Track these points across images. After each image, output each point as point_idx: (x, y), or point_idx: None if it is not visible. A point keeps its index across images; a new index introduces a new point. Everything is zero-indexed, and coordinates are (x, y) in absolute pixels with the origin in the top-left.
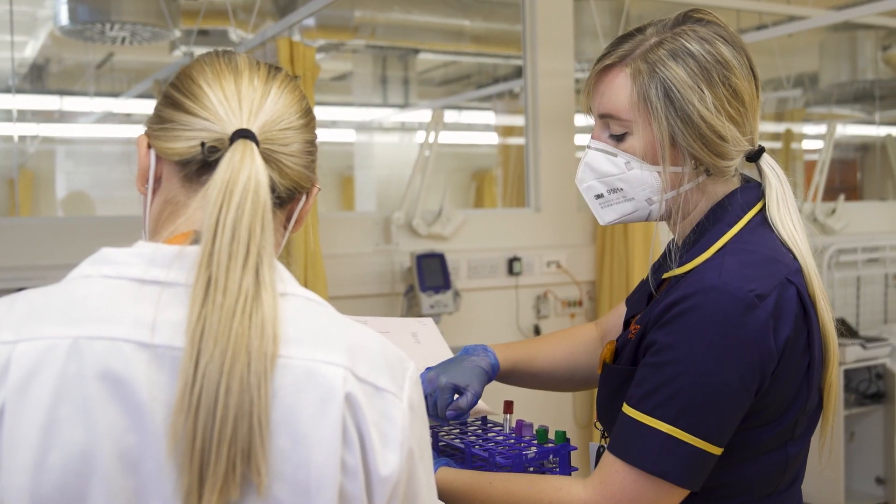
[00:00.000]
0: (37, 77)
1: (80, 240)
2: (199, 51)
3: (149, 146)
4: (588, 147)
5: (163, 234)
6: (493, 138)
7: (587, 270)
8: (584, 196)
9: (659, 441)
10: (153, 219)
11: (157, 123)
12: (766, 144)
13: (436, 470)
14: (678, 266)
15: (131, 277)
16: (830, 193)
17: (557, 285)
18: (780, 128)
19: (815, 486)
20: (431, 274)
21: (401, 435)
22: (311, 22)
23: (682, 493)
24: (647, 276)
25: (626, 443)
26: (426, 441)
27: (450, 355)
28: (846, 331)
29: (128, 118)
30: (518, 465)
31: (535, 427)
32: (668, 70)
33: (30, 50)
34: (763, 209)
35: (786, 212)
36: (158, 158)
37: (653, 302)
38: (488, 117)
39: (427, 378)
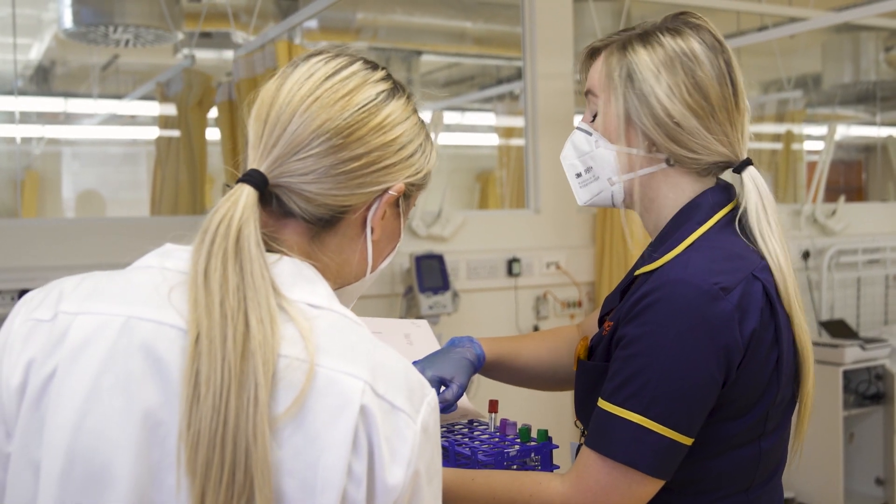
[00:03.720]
0: (42, 79)
1: (85, 241)
2: (201, 54)
3: None
4: (575, 128)
5: None
6: (494, 140)
7: (587, 271)
8: (567, 175)
9: (630, 431)
10: None
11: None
12: (767, 146)
13: None
14: (649, 263)
15: (186, 271)
16: (835, 194)
17: (557, 286)
18: (780, 129)
19: (815, 487)
20: (430, 275)
21: (409, 453)
22: (313, 24)
23: (655, 484)
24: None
25: (600, 435)
26: (436, 466)
27: None
28: (846, 332)
29: (132, 120)
30: (499, 462)
31: (519, 426)
32: (636, 54)
33: (35, 52)
34: (735, 209)
35: (766, 226)
36: None
37: (625, 298)
38: (489, 119)
39: None
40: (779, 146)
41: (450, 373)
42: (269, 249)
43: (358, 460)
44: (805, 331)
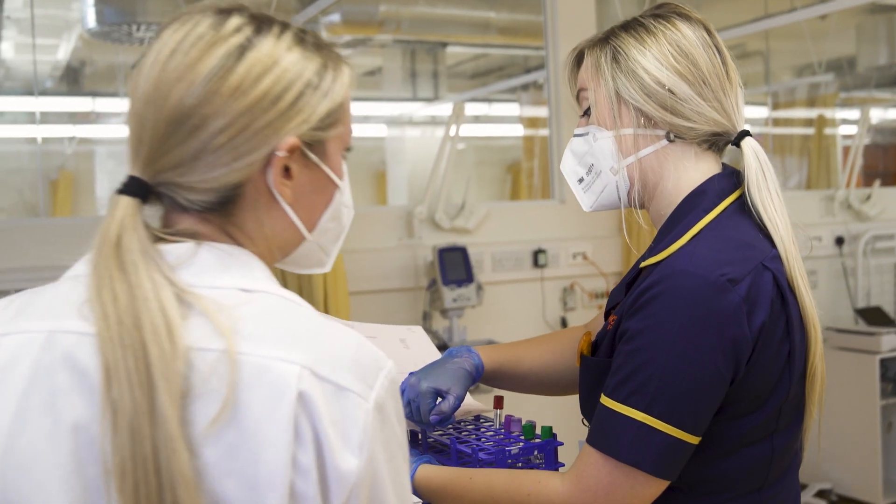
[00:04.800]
0: (73, 79)
1: None
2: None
3: None
4: (573, 136)
5: None
6: (519, 131)
7: (614, 261)
8: (570, 184)
9: (633, 430)
10: None
11: None
12: (799, 131)
13: (417, 468)
14: (654, 254)
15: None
16: (872, 179)
17: (584, 277)
18: (812, 114)
19: (852, 478)
20: (454, 267)
21: (362, 436)
22: (336, 18)
23: (659, 484)
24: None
25: (602, 433)
26: (397, 445)
27: (438, 356)
28: (882, 319)
29: None
30: (501, 460)
31: (524, 422)
32: (619, 38)
33: (62, 53)
34: (742, 196)
35: (766, 195)
36: None
37: (630, 291)
38: (515, 109)
39: (409, 384)
40: (811, 131)
41: (446, 384)
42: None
43: (303, 451)
44: (811, 308)
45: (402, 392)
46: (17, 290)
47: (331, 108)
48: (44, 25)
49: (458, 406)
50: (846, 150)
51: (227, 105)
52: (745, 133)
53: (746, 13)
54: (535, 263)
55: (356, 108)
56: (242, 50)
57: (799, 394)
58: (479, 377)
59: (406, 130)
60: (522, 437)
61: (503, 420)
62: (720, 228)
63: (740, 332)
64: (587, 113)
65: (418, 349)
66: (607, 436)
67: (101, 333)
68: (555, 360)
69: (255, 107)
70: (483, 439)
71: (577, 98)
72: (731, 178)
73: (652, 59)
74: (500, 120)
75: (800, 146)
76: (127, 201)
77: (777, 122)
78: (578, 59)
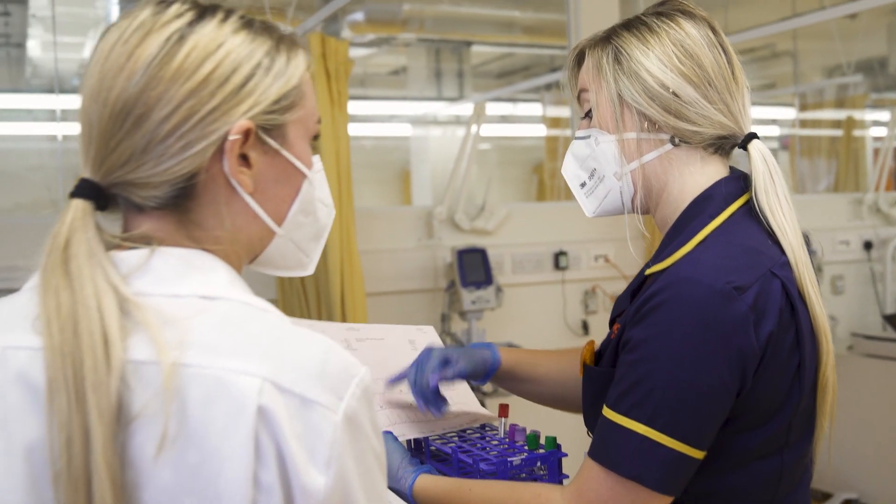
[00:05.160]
0: None
1: None
2: None
3: None
4: (573, 139)
5: None
6: (542, 131)
7: (637, 264)
8: (572, 188)
9: (635, 443)
10: None
11: None
12: (827, 133)
13: (416, 477)
14: (659, 261)
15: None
16: None
17: (606, 280)
18: (841, 115)
19: (879, 488)
20: (473, 269)
21: (329, 451)
22: (359, 17)
23: (662, 500)
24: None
25: (603, 445)
26: (373, 457)
27: None
28: None
29: None
30: (503, 471)
31: (528, 432)
32: (620, 38)
33: (88, 51)
34: (750, 200)
35: (774, 200)
36: None
37: (634, 300)
38: (538, 109)
39: (422, 352)
40: (839, 133)
41: (457, 356)
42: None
43: (265, 469)
44: (820, 308)
45: (415, 362)
46: None
47: (286, 89)
48: (68, 23)
49: (462, 375)
50: (876, 152)
51: (169, 90)
52: (753, 136)
53: (774, 12)
54: (557, 266)
55: (381, 107)
56: (183, 34)
57: (810, 406)
58: (494, 371)
59: (430, 130)
60: (526, 447)
61: (507, 429)
62: (727, 234)
63: (747, 342)
64: (588, 115)
65: None
66: (608, 449)
67: (45, 344)
68: (572, 370)
69: (201, 90)
70: (487, 448)
71: (578, 99)
72: (739, 181)
73: (655, 60)
74: (526, 120)
75: (828, 148)
76: (77, 204)
77: (805, 124)
78: (579, 59)
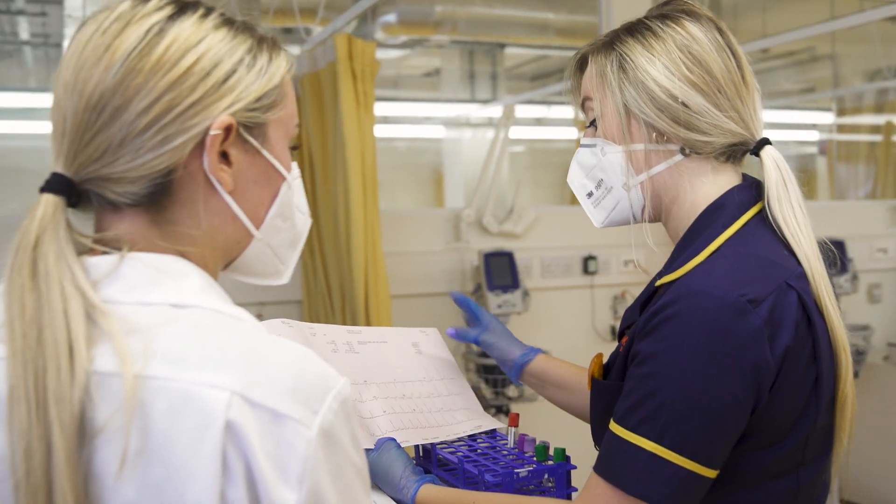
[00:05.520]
0: None
1: None
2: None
3: None
4: (578, 146)
5: None
6: (573, 134)
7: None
8: (578, 198)
9: (643, 460)
10: None
11: None
12: (865, 138)
13: (419, 487)
14: (670, 272)
15: None
16: None
17: (636, 285)
18: (880, 120)
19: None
20: (499, 273)
21: (302, 467)
22: (392, 18)
23: None
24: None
25: (610, 462)
26: (353, 472)
27: (453, 365)
28: None
29: None
30: (508, 483)
31: (537, 442)
32: (624, 44)
33: None
34: (763, 209)
35: (788, 208)
36: None
37: (644, 311)
38: (571, 112)
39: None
40: (878, 138)
41: (494, 326)
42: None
43: (233, 486)
44: (838, 322)
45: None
46: None
47: (268, 87)
48: None
49: (477, 340)
50: None
51: (149, 82)
52: (765, 141)
53: (813, 15)
54: (585, 270)
55: (414, 109)
56: (163, 27)
57: (827, 423)
58: (521, 366)
59: (464, 132)
60: (535, 458)
61: (517, 439)
62: (740, 245)
63: (761, 357)
64: (593, 123)
65: (430, 354)
66: (615, 465)
67: (8, 351)
68: None
69: (181, 82)
70: (496, 458)
71: (583, 107)
72: (751, 189)
73: (662, 68)
74: (560, 123)
75: (867, 154)
76: (48, 199)
77: (843, 129)
78: (581, 64)
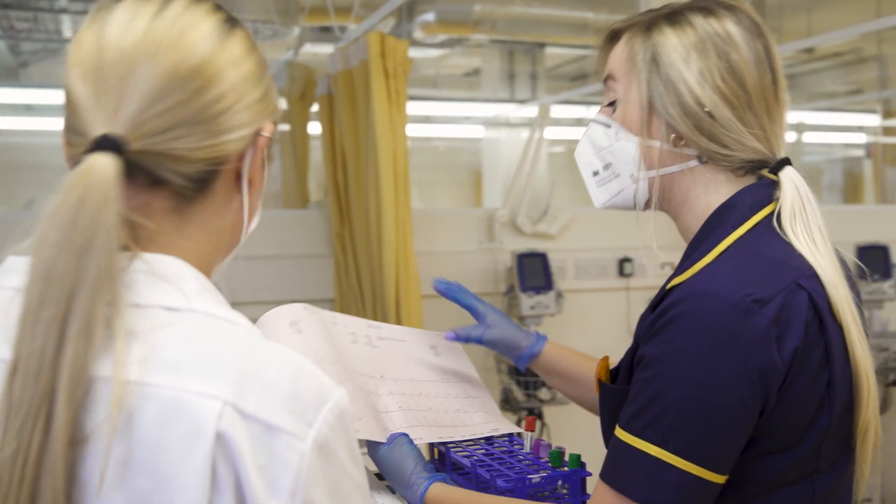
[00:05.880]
0: None
1: None
2: (322, 48)
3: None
4: (591, 120)
5: None
6: None
7: None
8: (583, 174)
9: (647, 465)
10: None
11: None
12: None
13: (430, 485)
14: (679, 274)
15: (17, 288)
16: None
17: None
18: None
19: None
20: (533, 274)
21: (293, 482)
22: (430, 17)
23: None
24: None
25: (614, 468)
26: (352, 486)
27: (471, 371)
28: None
29: None
30: (520, 489)
31: (553, 448)
32: (662, 35)
33: None
34: (776, 212)
35: (801, 229)
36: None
37: (654, 313)
38: None
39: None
40: None
41: (492, 319)
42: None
43: (221, 499)
44: (861, 345)
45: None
46: None
47: (279, 110)
48: None
49: (480, 340)
50: None
51: (226, 71)
52: (785, 161)
53: (859, 15)
54: (621, 272)
55: (453, 109)
56: (228, 27)
57: (843, 430)
58: (529, 357)
59: (503, 132)
60: (550, 464)
61: (533, 443)
62: (750, 245)
63: (768, 358)
64: (612, 104)
65: (448, 358)
66: (620, 471)
67: (22, 339)
68: None
69: (247, 81)
70: (510, 463)
71: (605, 81)
72: (767, 189)
73: (696, 72)
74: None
75: None
76: (109, 163)
77: (889, 131)
78: (612, 38)
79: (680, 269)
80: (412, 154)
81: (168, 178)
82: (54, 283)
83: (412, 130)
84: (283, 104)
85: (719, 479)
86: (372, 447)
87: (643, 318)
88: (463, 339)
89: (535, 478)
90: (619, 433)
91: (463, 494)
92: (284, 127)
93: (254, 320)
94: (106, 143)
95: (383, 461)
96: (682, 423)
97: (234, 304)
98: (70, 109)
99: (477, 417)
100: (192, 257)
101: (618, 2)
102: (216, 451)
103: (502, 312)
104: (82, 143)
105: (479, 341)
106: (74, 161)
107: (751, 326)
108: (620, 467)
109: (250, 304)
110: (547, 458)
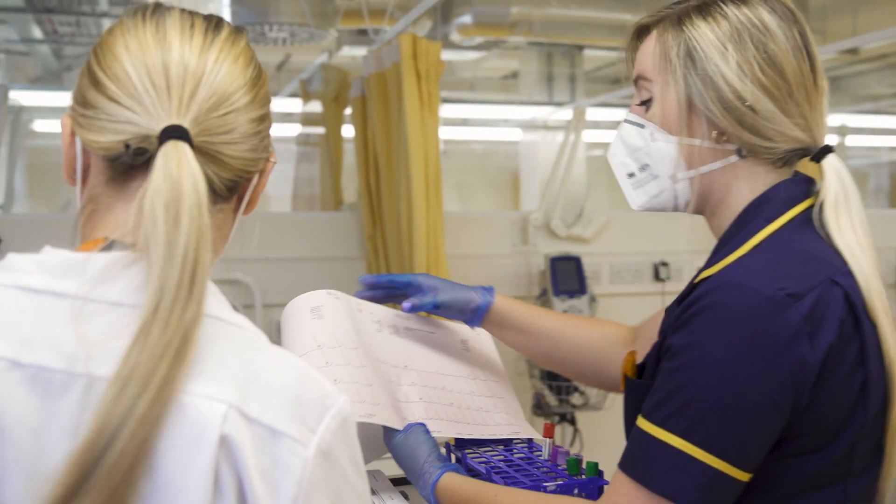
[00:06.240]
0: None
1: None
2: (358, 51)
3: (73, 132)
4: (623, 121)
5: (84, 236)
6: None
7: None
8: (617, 176)
9: (669, 457)
10: (81, 216)
11: (81, 106)
12: None
13: (442, 474)
14: (709, 267)
15: (25, 287)
16: None
17: None
18: None
19: None
20: (566, 277)
21: (297, 488)
22: (467, 19)
23: None
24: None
25: (635, 458)
26: (354, 496)
27: (500, 370)
28: None
29: (286, 117)
30: None
31: (570, 455)
32: (695, 28)
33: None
34: (810, 208)
35: (846, 220)
36: (84, 149)
37: (679, 307)
38: None
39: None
40: None
41: (437, 285)
42: None
43: (223, 503)
44: (893, 346)
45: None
46: None
47: None
48: None
49: (432, 308)
50: None
51: (265, 96)
52: (828, 149)
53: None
54: (657, 277)
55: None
56: (259, 70)
57: (876, 432)
58: (483, 311)
59: (541, 135)
60: (567, 471)
61: (551, 450)
62: (785, 239)
63: (799, 354)
64: (645, 103)
65: (478, 354)
66: (640, 462)
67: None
68: (575, 333)
69: (267, 118)
70: (527, 470)
71: (635, 82)
72: (803, 185)
73: (734, 66)
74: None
75: None
76: (188, 152)
77: None
78: (639, 33)
79: (710, 263)
80: (451, 157)
81: (211, 180)
82: (186, 265)
83: (450, 133)
84: (318, 107)
85: (743, 475)
86: (387, 434)
87: (669, 310)
88: (418, 307)
89: (551, 486)
90: (642, 423)
91: (474, 485)
92: (319, 130)
93: None
94: (177, 133)
95: (397, 448)
96: (706, 416)
97: (266, 306)
98: (120, 96)
99: (498, 418)
100: None
101: (657, 3)
102: (220, 455)
103: (439, 277)
104: (131, 131)
105: (435, 305)
106: (104, 148)
107: (783, 321)
108: (641, 457)
109: (283, 306)
110: (564, 466)
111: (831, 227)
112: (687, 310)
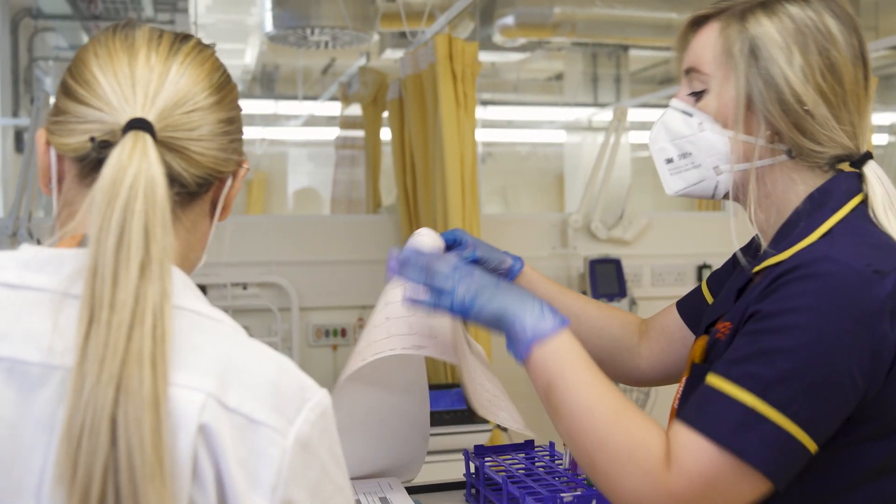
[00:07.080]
0: (267, 82)
1: (257, 238)
2: (398, 54)
3: (48, 142)
4: (668, 106)
5: (62, 237)
6: None
7: None
8: (655, 160)
9: (738, 413)
10: (57, 221)
11: (54, 115)
12: None
13: (560, 327)
14: (772, 256)
15: (2, 282)
16: None
17: None
18: None
19: None
20: (605, 280)
21: (275, 478)
22: (510, 20)
23: (762, 484)
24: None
25: (701, 412)
26: (333, 489)
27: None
28: None
29: (330, 121)
30: None
31: None
32: (760, 26)
33: (248, 57)
34: (863, 203)
35: (895, 220)
36: (59, 156)
37: (744, 295)
38: None
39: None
40: None
41: (474, 241)
42: None
43: (201, 492)
44: None
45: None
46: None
47: None
48: (228, 30)
49: (474, 260)
50: None
51: (234, 101)
52: (868, 156)
53: None
54: (699, 279)
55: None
56: (227, 77)
57: None
58: (516, 273)
59: (586, 136)
60: (586, 482)
61: (571, 458)
62: (853, 227)
63: (881, 332)
64: (696, 94)
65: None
66: (708, 415)
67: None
68: (598, 314)
69: (239, 118)
70: (544, 480)
71: (686, 72)
72: (856, 180)
73: (798, 70)
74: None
75: None
76: (147, 140)
77: None
78: (696, 23)
79: (780, 248)
80: (496, 160)
81: (179, 175)
82: (132, 246)
83: (495, 136)
84: (357, 110)
85: (811, 444)
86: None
87: (719, 304)
88: (465, 258)
89: (568, 496)
90: (712, 379)
91: (576, 366)
92: (359, 133)
93: (321, 326)
94: (140, 124)
95: (483, 279)
96: (787, 378)
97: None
98: (88, 98)
99: (497, 401)
100: (178, 257)
101: (702, 2)
102: (198, 443)
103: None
104: (97, 128)
105: (474, 259)
106: (73, 149)
107: (871, 296)
108: (709, 412)
109: (320, 309)
110: (584, 476)
111: (885, 226)
112: (776, 280)
